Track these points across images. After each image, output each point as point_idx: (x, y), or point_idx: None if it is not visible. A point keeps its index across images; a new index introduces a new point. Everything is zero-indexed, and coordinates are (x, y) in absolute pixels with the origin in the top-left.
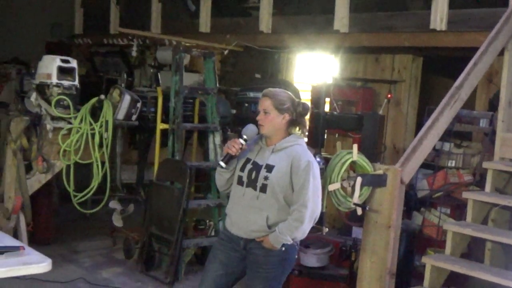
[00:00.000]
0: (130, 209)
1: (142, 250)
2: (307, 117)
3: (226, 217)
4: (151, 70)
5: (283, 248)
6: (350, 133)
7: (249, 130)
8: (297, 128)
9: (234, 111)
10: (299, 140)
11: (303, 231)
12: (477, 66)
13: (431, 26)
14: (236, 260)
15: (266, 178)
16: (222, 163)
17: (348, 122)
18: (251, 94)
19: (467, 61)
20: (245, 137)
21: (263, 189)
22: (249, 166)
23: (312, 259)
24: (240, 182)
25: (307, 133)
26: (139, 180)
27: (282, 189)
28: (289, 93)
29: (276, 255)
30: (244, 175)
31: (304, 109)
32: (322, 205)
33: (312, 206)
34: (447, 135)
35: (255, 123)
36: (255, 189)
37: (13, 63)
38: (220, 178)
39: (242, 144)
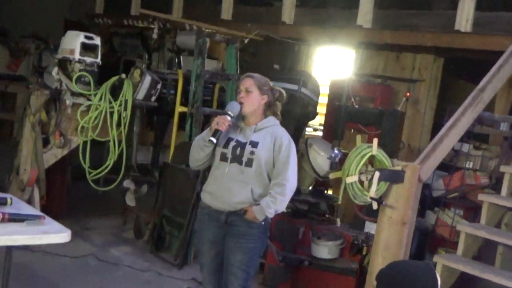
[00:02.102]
0: (144, 189)
1: (153, 231)
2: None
3: (204, 195)
4: (169, 54)
5: (262, 223)
6: (368, 129)
7: (234, 106)
8: (273, 112)
9: None
10: (277, 122)
11: (284, 203)
12: (501, 70)
13: (456, 27)
14: (221, 236)
15: (252, 153)
16: (213, 139)
17: (368, 117)
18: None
19: (488, 65)
20: (230, 113)
21: (249, 163)
22: (232, 143)
23: (323, 250)
24: (223, 158)
25: (280, 118)
26: (154, 162)
27: (266, 163)
28: (268, 79)
29: (257, 227)
30: (229, 151)
31: (281, 96)
32: (336, 197)
33: (293, 181)
34: (467, 136)
35: None
36: (240, 163)
37: (32, 38)
38: (201, 153)
39: (229, 121)
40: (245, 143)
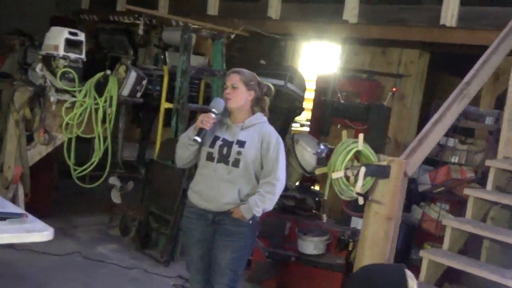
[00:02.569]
0: (129, 186)
1: (140, 228)
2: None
3: (192, 194)
4: (156, 50)
5: (250, 222)
6: (355, 124)
7: (218, 103)
8: (261, 108)
9: None
10: (265, 118)
11: (273, 202)
12: (486, 64)
13: (441, 22)
14: (209, 235)
15: (239, 153)
16: (197, 138)
17: (355, 112)
18: None
19: (474, 60)
20: (214, 110)
21: (236, 163)
22: (219, 142)
23: (309, 246)
24: (210, 158)
25: (268, 114)
26: (140, 158)
27: (253, 163)
28: (255, 74)
29: (245, 226)
30: (215, 151)
31: (269, 90)
32: (323, 193)
33: (282, 179)
34: (453, 131)
35: None
36: (227, 164)
37: (17, 34)
38: (186, 152)
39: (213, 118)
40: (232, 142)
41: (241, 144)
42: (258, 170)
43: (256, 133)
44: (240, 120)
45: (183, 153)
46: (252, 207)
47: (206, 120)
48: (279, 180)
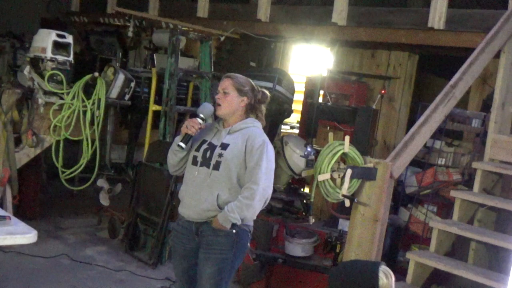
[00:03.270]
0: (118, 188)
1: (128, 230)
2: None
3: (180, 203)
4: (146, 52)
5: (234, 231)
6: (342, 126)
7: (206, 108)
8: (255, 115)
9: None
10: (256, 123)
11: (253, 210)
12: (472, 66)
13: (429, 25)
14: (193, 249)
15: (220, 155)
16: (182, 144)
17: (341, 114)
18: None
19: (463, 62)
20: (201, 115)
21: (216, 166)
22: (204, 146)
23: (297, 248)
24: (194, 162)
25: (264, 122)
26: (128, 160)
27: (235, 167)
28: (250, 80)
29: (226, 235)
30: (199, 154)
31: (263, 97)
32: (310, 195)
33: (264, 185)
34: (439, 133)
35: None
36: (208, 167)
37: (7, 37)
38: (174, 158)
39: (200, 124)
40: (216, 146)
41: (224, 146)
42: (241, 176)
43: (241, 136)
44: (230, 125)
45: (172, 160)
46: (228, 214)
47: (191, 125)
48: (259, 185)
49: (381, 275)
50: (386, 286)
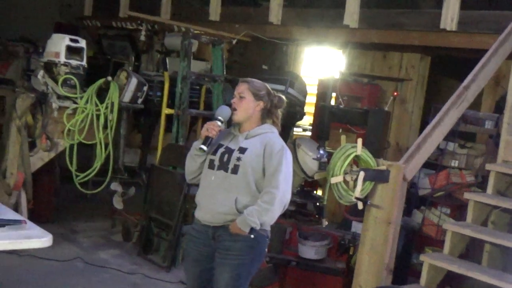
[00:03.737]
0: (131, 192)
1: (141, 233)
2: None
3: (197, 207)
4: (158, 56)
5: (252, 236)
6: (355, 128)
7: (224, 111)
8: (271, 121)
9: None
10: (273, 129)
11: (272, 214)
12: (485, 68)
13: (442, 26)
14: (208, 254)
15: (238, 159)
16: (203, 147)
17: (353, 117)
18: None
19: (476, 63)
20: (220, 118)
21: (235, 170)
22: (221, 150)
23: (310, 251)
24: (211, 166)
25: (280, 128)
26: (142, 164)
27: (254, 172)
28: (266, 84)
29: (244, 240)
30: (216, 158)
31: (280, 101)
32: (323, 197)
33: (283, 190)
34: (452, 135)
35: None
36: (226, 170)
37: (21, 41)
38: (193, 164)
39: (219, 126)
40: (233, 150)
41: (242, 150)
42: (259, 181)
43: (260, 141)
44: (247, 130)
45: (191, 166)
46: (247, 218)
47: (212, 128)
48: (278, 189)
49: None
50: None
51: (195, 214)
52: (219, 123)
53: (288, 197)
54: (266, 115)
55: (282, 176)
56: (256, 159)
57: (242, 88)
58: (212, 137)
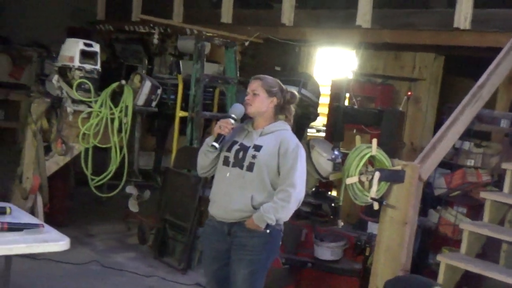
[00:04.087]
0: (146, 195)
1: (157, 236)
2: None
3: (210, 204)
4: (171, 59)
5: (267, 230)
6: (369, 129)
7: (237, 109)
8: (284, 116)
9: None
10: (286, 126)
11: (288, 211)
12: (499, 66)
13: (455, 25)
14: (223, 250)
15: (254, 156)
16: (215, 144)
17: (368, 117)
18: None
19: (490, 62)
20: (233, 115)
21: (250, 167)
22: (236, 147)
23: (326, 252)
24: (226, 162)
25: (292, 123)
26: (156, 167)
27: (269, 169)
28: (279, 81)
29: (260, 236)
30: (231, 155)
31: (292, 97)
32: (339, 198)
33: (299, 188)
34: (467, 134)
35: None
36: (241, 168)
37: (34, 46)
38: (205, 159)
39: (232, 124)
40: (248, 147)
41: (257, 148)
42: (274, 178)
43: (274, 138)
44: (261, 127)
45: (203, 161)
46: (263, 214)
47: (224, 126)
48: (295, 187)
49: None
50: None
51: (209, 211)
52: (232, 120)
53: (303, 194)
54: (279, 111)
55: (297, 174)
56: (271, 156)
57: (255, 85)
58: (225, 134)
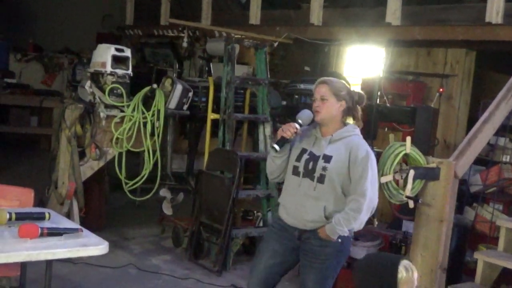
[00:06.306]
0: (180, 198)
1: (191, 239)
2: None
3: (280, 207)
4: (201, 62)
5: (339, 240)
6: (402, 127)
7: (305, 115)
8: (352, 118)
9: (284, 103)
10: (356, 130)
11: (361, 221)
12: None
13: (487, 19)
14: (290, 250)
15: (324, 168)
16: (276, 146)
17: (401, 115)
18: (302, 86)
19: None
20: (300, 121)
21: (321, 179)
22: (305, 156)
23: (361, 251)
24: (295, 172)
25: (362, 124)
26: (189, 170)
27: (340, 180)
28: (345, 82)
29: (332, 246)
30: (301, 165)
31: (360, 98)
32: None
33: (370, 196)
34: (503, 130)
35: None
36: (312, 179)
37: (65, 53)
38: (272, 163)
39: (297, 129)
40: (318, 157)
41: (327, 159)
42: (346, 185)
43: (344, 146)
44: (329, 133)
45: (270, 166)
46: (335, 227)
47: (287, 129)
48: (365, 197)
49: (401, 268)
50: (406, 279)
51: (279, 214)
52: (297, 125)
53: (375, 202)
54: (347, 113)
55: (368, 182)
56: (342, 166)
57: (323, 90)
58: (287, 137)
